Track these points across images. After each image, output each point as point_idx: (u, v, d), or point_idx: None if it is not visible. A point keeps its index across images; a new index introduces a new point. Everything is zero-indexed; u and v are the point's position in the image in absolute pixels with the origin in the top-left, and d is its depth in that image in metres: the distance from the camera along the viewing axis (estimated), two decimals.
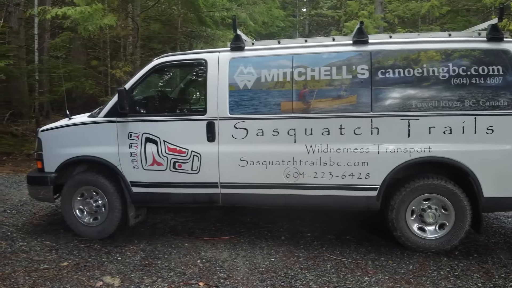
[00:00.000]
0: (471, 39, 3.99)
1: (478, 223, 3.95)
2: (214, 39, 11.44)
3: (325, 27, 22.63)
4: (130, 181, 4.37)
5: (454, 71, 3.84)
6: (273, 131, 4.08)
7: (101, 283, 3.52)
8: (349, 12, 15.52)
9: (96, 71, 11.85)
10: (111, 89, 11.26)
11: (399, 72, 3.92)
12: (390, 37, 4.24)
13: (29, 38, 13.40)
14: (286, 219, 5.11)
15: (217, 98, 4.19)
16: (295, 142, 4.06)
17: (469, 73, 3.81)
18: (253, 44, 4.48)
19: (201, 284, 3.48)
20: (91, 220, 4.55)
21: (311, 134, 4.03)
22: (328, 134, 4.00)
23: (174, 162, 4.27)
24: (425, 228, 4.04)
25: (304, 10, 26.95)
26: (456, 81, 3.83)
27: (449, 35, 4.10)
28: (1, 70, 9.91)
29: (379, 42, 4.09)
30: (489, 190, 3.80)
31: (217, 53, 4.32)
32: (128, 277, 3.62)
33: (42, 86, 12.54)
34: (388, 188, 4.03)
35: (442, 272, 3.63)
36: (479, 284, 3.41)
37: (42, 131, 4.67)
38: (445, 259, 3.91)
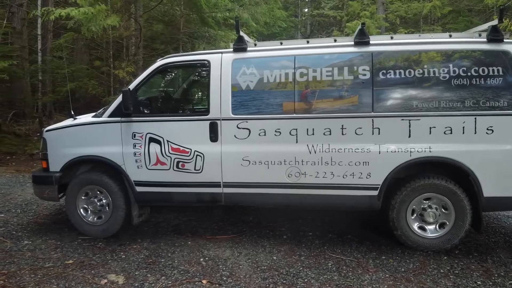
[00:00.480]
0: (471, 40, 4.02)
1: (478, 222, 3.98)
2: (216, 40, 11.51)
3: (327, 27, 22.66)
4: (134, 181, 4.42)
5: (454, 72, 3.87)
6: (275, 131, 4.13)
7: (105, 280, 3.57)
8: (351, 12, 15.56)
9: (99, 72, 11.91)
10: (113, 89, 11.32)
11: (400, 73, 3.95)
12: (392, 38, 4.27)
13: (32, 39, 13.47)
14: (288, 218, 5.15)
15: (220, 99, 4.23)
16: (297, 142, 4.10)
17: (469, 73, 3.85)
18: (255, 45, 4.51)
19: (204, 282, 3.53)
20: (95, 219, 4.60)
21: (313, 134, 4.07)
22: (330, 134, 4.04)
23: (178, 162, 4.31)
24: (426, 227, 4.07)
25: (306, 10, 26.95)
26: (456, 82, 3.87)
27: (450, 36, 4.14)
28: (4, 70, 9.95)
29: (380, 43, 4.13)
30: (489, 190, 3.84)
31: (220, 54, 4.37)
32: (132, 275, 3.67)
33: (45, 86, 12.60)
34: (389, 188, 4.07)
35: (442, 271, 3.67)
36: (479, 283, 3.44)
37: (47, 131, 4.72)
38: (445, 258, 3.95)
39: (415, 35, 4.56)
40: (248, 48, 4.34)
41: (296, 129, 4.09)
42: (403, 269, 3.72)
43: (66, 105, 13.41)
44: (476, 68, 3.85)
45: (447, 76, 3.88)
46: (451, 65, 3.89)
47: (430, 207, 4.05)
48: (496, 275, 3.59)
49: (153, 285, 3.48)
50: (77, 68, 11.89)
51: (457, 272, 3.65)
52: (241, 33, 4.37)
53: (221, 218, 5.27)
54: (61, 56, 12.80)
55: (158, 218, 5.32)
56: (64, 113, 12.78)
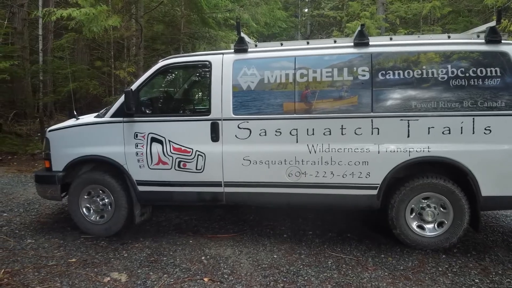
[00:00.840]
0: (469, 41, 4.06)
1: (476, 221, 4.03)
2: (216, 40, 11.57)
3: (327, 27, 22.70)
4: (136, 180, 4.47)
5: (453, 72, 3.91)
6: (276, 131, 4.17)
7: (108, 278, 3.62)
8: (351, 12, 15.60)
9: (99, 72, 11.95)
10: (114, 90, 11.36)
11: (399, 74, 4.00)
12: (391, 39, 4.31)
13: (33, 39, 13.52)
14: (288, 217, 5.19)
15: (221, 99, 4.28)
16: (297, 142, 4.15)
17: (467, 74, 3.89)
18: (256, 46, 4.54)
19: (205, 279, 3.57)
20: (97, 218, 4.65)
21: (313, 134, 4.11)
22: (330, 134, 4.08)
23: (179, 162, 4.36)
24: (424, 226, 4.12)
25: (306, 10, 26.99)
26: (455, 83, 3.91)
27: (449, 37, 4.18)
28: (6, 70, 9.98)
29: (379, 44, 4.16)
30: (487, 189, 3.88)
31: (221, 55, 4.41)
32: (135, 273, 3.72)
33: (46, 86, 12.64)
34: (388, 187, 4.12)
35: (440, 269, 3.72)
36: (477, 280, 3.49)
37: (50, 131, 4.77)
38: (443, 256, 3.99)
39: (414, 36, 4.61)
40: (249, 49, 4.38)
41: (296, 129, 4.14)
42: (402, 267, 3.76)
43: (66, 105, 13.47)
44: (474, 69, 3.89)
45: (446, 77, 3.92)
46: (449, 66, 3.93)
47: (428, 206, 4.10)
48: (493, 273, 3.64)
49: (155, 282, 3.53)
50: (78, 68, 11.92)
51: (455, 270, 3.70)
52: (242, 34, 4.41)
53: (222, 217, 5.31)
54: (62, 56, 12.86)
55: (160, 217, 5.37)
56: (65, 113, 12.82)
